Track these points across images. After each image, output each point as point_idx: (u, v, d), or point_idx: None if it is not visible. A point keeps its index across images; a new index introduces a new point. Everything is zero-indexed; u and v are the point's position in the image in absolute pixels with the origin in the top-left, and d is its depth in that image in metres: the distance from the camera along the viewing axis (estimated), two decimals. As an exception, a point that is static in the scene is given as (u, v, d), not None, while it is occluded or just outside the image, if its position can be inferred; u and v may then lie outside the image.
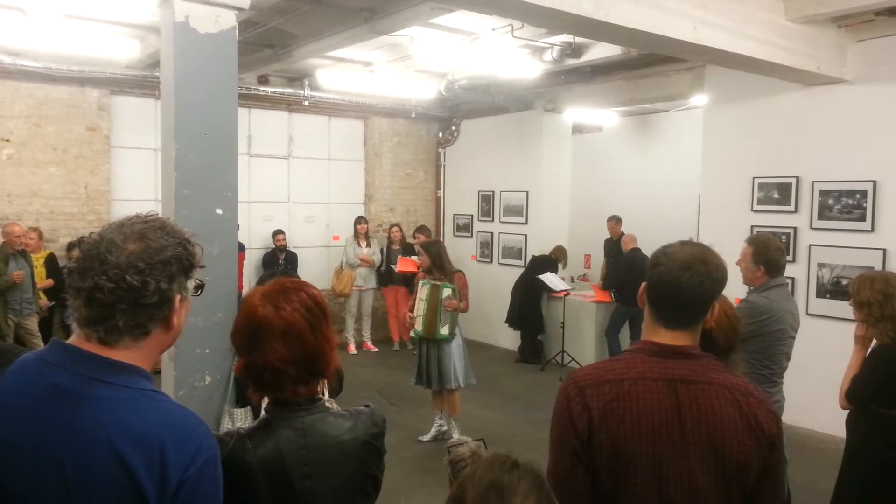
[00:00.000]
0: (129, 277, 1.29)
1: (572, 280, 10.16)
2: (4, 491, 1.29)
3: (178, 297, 1.38)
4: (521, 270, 9.53)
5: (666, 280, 1.71)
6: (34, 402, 1.30)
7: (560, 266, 9.47)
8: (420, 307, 5.93)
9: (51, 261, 7.82)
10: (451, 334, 5.87)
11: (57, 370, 1.31)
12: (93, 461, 1.25)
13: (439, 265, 5.95)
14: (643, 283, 1.81)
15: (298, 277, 2.02)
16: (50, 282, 7.65)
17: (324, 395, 1.88)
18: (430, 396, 6.27)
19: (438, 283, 5.88)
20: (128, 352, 1.34)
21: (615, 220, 9.49)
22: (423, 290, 5.95)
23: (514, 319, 9.38)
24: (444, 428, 6.11)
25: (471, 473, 1.25)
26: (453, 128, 11.04)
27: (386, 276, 9.79)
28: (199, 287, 1.47)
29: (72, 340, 1.35)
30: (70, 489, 1.25)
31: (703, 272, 1.70)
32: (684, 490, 1.66)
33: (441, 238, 10.97)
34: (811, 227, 6.56)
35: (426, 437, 6.12)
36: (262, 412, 1.73)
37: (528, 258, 9.60)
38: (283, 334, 1.63)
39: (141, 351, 1.36)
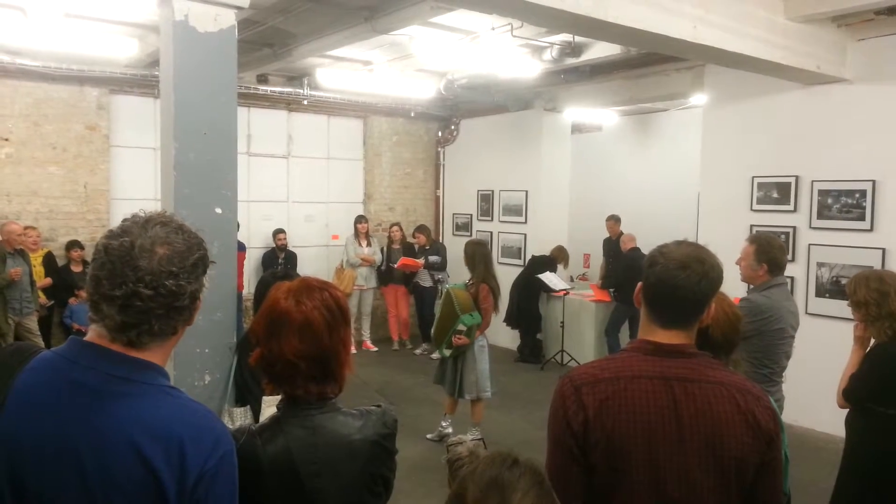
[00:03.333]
0: (167, 283, 1.31)
1: (571, 279, 10.16)
2: (25, 488, 1.29)
3: (200, 297, 1.41)
4: (521, 270, 9.52)
5: (663, 279, 1.72)
6: (54, 399, 1.31)
7: (561, 266, 9.47)
8: (438, 309, 5.99)
9: (49, 260, 7.82)
10: (456, 354, 5.83)
11: (76, 367, 1.33)
12: (112, 456, 1.27)
13: (471, 266, 5.92)
14: (639, 283, 1.82)
15: (298, 276, 2.02)
16: (49, 280, 7.65)
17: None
18: (430, 396, 6.27)
19: (459, 310, 5.70)
20: (148, 351, 1.36)
21: (614, 220, 9.50)
22: (444, 297, 5.96)
23: (512, 318, 9.39)
24: (449, 430, 6.10)
25: (472, 470, 1.25)
26: (453, 127, 11.04)
27: (386, 276, 9.80)
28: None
29: (89, 338, 1.36)
30: (91, 485, 1.27)
31: (699, 271, 1.71)
32: (682, 488, 1.66)
33: (440, 238, 10.99)
34: (810, 227, 6.56)
35: (431, 436, 6.13)
36: (275, 409, 1.75)
37: (528, 257, 9.60)
38: (300, 328, 1.66)
39: (160, 349, 1.38)
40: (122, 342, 1.33)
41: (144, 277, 1.29)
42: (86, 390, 1.30)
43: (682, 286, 1.70)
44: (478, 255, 5.88)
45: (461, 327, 5.69)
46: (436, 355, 6.76)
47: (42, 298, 7.49)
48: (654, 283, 1.74)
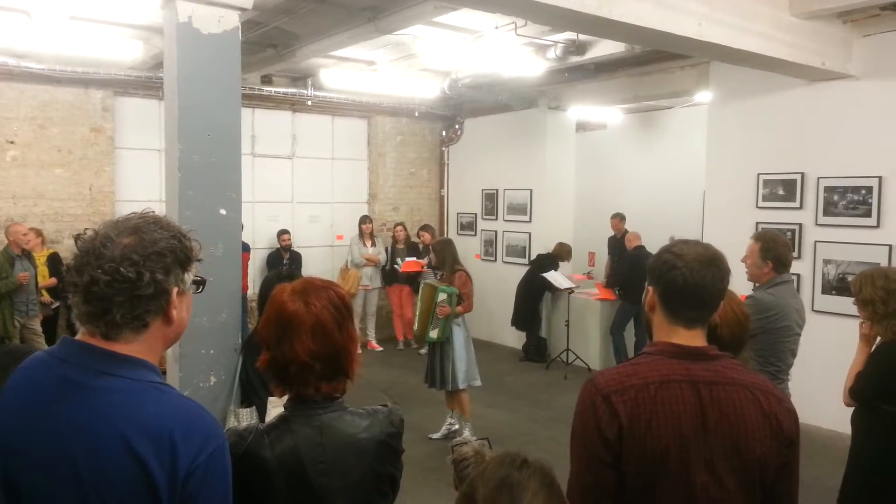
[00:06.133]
0: (123, 269, 1.30)
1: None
2: (18, 487, 1.29)
3: (175, 290, 1.38)
4: (526, 269, 9.50)
5: (690, 281, 1.72)
6: (44, 397, 1.32)
7: (565, 264, 9.42)
8: (417, 307, 6.17)
9: (54, 260, 7.83)
10: (443, 337, 5.91)
11: (66, 365, 1.34)
12: (103, 452, 1.27)
13: (442, 262, 6.15)
14: (650, 289, 1.82)
15: (302, 277, 2.02)
16: (53, 280, 7.67)
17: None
18: (435, 395, 6.28)
19: (436, 285, 5.97)
20: (131, 345, 1.35)
21: (619, 218, 9.48)
22: (421, 290, 6.13)
23: (516, 319, 9.37)
24: (456, 427, 6.12)
25: (481, 471, 1.25)
26: (457, 126, 11.03)
27: (390, 276, 9.79)
28: (200, 283, 1.48)
29: (79, 336, 1.37)
30: (82, 481, 1.27)
31: (723, 268, 1.76)
32: (710, 491, 1.66)
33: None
34: (816, 224, 6.54)
35: (436, 435, 6.13)
36: (282, 408, 1.75)
37: (533, 256, 9.58)
38: (312, 329, 1.66)
39: (144, 344, 1.37)
40: (99, 335, 1.34)
41: (104, 265, 1.30)
42: (75, 387, 1.31)
43: (709, 285, 1.73)
44: (447, 252, 6.16)
45: (442, 296, 5.89)
46: (424, 351, 6.80)
47: (45, 297, 7.51)
48: (682, 285, 1.72)
